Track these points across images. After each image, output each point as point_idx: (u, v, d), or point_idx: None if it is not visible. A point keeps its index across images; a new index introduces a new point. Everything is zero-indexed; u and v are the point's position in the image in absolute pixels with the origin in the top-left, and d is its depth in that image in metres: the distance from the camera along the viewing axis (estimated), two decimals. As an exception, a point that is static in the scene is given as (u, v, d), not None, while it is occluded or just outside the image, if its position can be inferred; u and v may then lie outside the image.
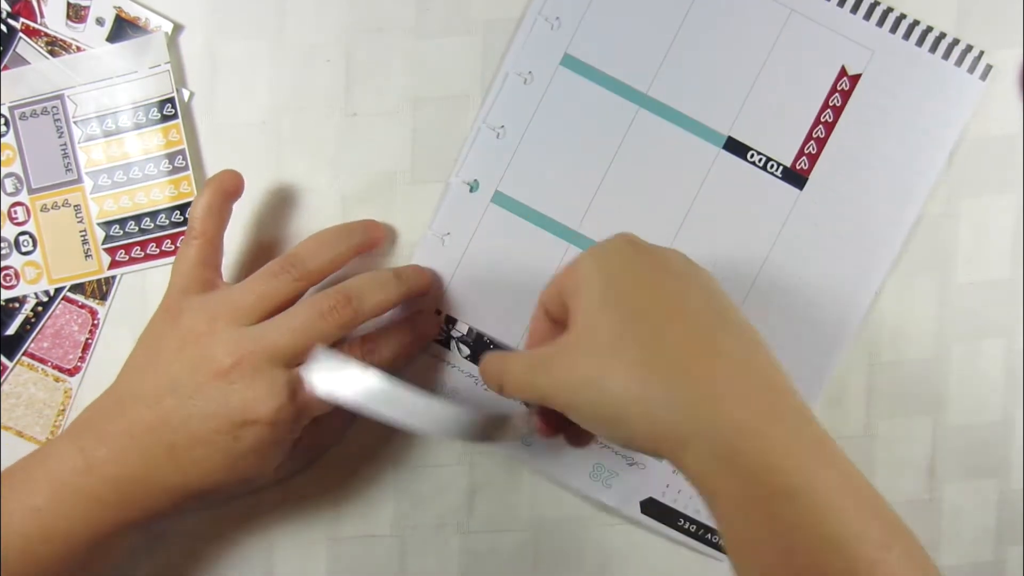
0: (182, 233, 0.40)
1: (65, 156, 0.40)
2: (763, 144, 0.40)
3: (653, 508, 0.41)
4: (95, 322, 0.41)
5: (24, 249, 0.41)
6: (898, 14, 0.39)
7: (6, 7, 0.40)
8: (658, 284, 0.31)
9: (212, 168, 0.40)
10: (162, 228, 0.41)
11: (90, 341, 0.41)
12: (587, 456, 0.41)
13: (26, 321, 0.41)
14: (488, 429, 0.32)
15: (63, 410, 0.41)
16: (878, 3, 0.39)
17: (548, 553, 0.42)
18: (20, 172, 0.40)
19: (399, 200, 0.41)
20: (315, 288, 0.37)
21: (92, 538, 0.34)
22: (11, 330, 0.41)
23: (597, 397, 0.30)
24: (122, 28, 0.40)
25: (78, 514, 0.33)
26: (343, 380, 0.31)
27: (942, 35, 0.39)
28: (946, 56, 0.39)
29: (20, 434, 0.41)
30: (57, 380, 0.41)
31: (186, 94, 0.40)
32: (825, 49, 0.39)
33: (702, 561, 0.42)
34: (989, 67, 0.39)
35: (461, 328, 0.40)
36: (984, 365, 0.41)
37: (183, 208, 0.40)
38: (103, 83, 0.40)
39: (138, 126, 0.40)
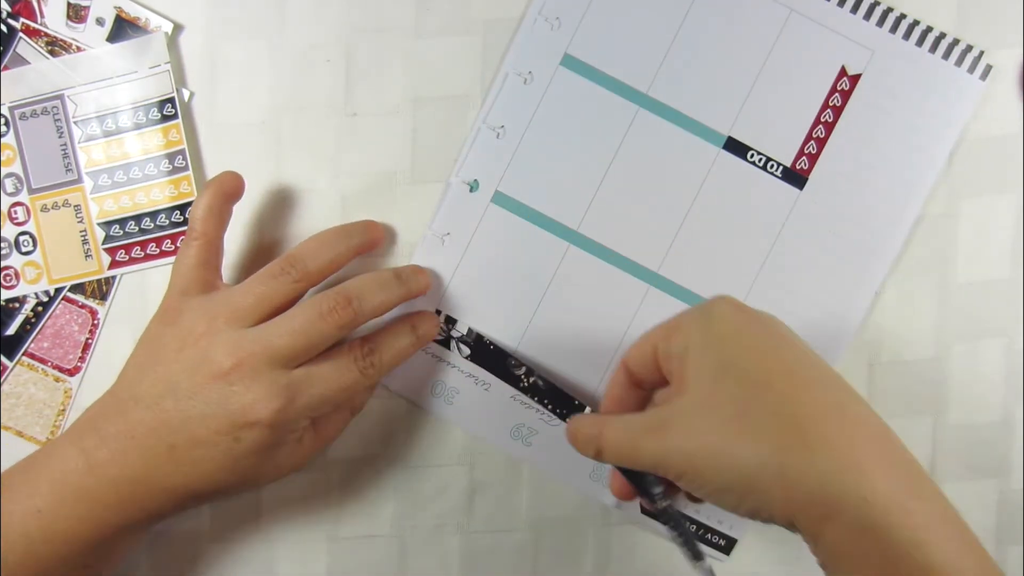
0: (182, 233, 0.40)
1: (65, 156, 0.40)
2: (763, 144, 0.40)
3: (653, 508, 0.41)
4: (95, 322, 0.41)
5: (24, 249, 0.41)
6: (898, 14, 0.39)
7: (6, 7, 0.39)
8: (773, 351, 0.31)
9: (212, 168, 0.41)
10: (162, 228, 0.41)
11: (90, 341, 0.41)
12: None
13: (26, 321, 0.41)
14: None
15: (63, 410, 0.41)
16: (878, 3, 0.39)
17: (548, 553, 0.42)
18: (20, 172, 0.40)
19: (399, 200, 0.41)
20: (315, 289, 0.37)
21: (94, 539, 0.34)
22: (11, 330, 0.41)
23: (726, 466, 0.30)
24: (122, 28, 0.40)
25: (80, 515, 0.34)
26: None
27: (942, 35, 0.39)
28: (946, 56, 0.39)
29: (20, 434, 0.41)
30: (57, 380, 0.41)
31: (186, 94, 0.40)
32: (825, 49, 0.39)
33: (702, 561, 0.42)
34: (989, 67, 0.39)
35: (461, 328, 0.40)
36: (984, 365, 0.41)
37: (183, 208, 0.40)
38: (103, 83, 0.40)
39: (138, 126, 0.40)
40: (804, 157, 0.40)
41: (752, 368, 0.31)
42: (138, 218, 0.40)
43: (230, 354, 0.33)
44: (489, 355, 0.40)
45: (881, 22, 0.39)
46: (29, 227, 0.41)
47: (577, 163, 0.40)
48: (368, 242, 0.39)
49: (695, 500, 0.36)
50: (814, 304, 0.40)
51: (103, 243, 0.41)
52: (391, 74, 0.40)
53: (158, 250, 0.41)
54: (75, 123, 0.40)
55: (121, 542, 0.35)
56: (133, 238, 0.41)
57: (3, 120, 0.40)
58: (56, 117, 0.40)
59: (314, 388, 0.34)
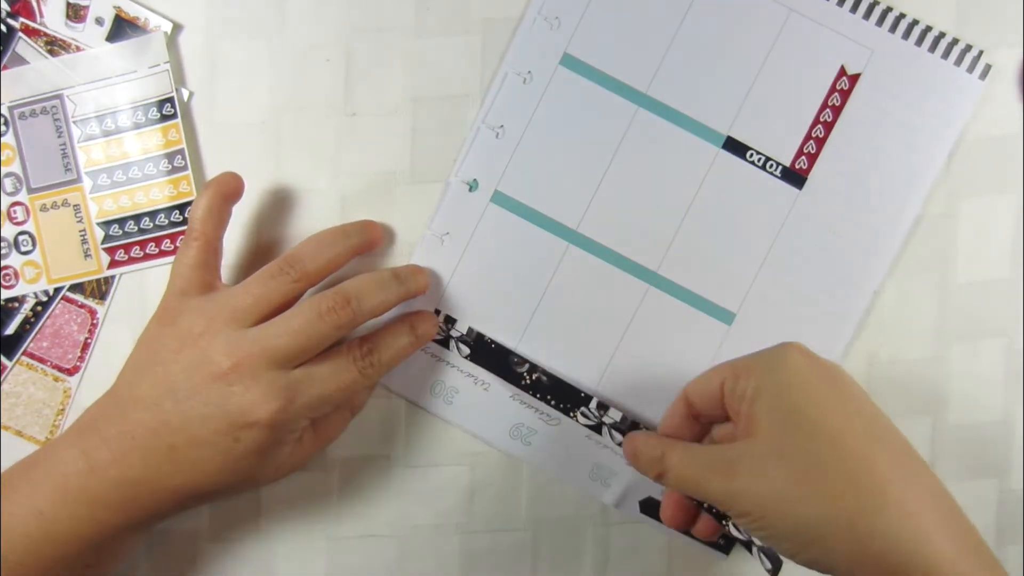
0: (181, 233, 0.40)
1: (64, 156, 0.40)
2: (762, 144, 0.40)
3: (653, 507, 0.41)
4: (94, 322, 0.41)
5: (23, 249, 0.41)
6: (897, 13, 0.39)
7: (6, 7, 0.40)
8: (843, 406, 0.32)
9: (211, 168, 0.41)
10: (161, 228, 0.41)
11: (89, 341, 0.41)
12: (587, 456, 0.41)
13: (25, 321, 0.41)
14: None
15: (62, 410, 0.41)
16: (877, 3, 0.39)
17: (547, 553, 0.42)
18: (19, 172, 0.40)
19: (398, 200, 0.41)
20: (314, 289, 0.37)
21: (95, 539, 0.34)
22: (10, 330, 0.41)
23: (793, 514, 0.30)
24: (121, 28, 0.40)
25: (81, 516, 0.34)
26: None
27: (941, 35, 0.39)
28: (945, 56, 0.39)
29: (20, 434, 0.41)
30: (56, 380, 0.41)
31: (185, 94, 0.40)
32: (824, 49, 0.39)
33: (702, 560, 0.42)
34: (988, 67, 0.39)
35: (461, 328, 0.40)
36: (984, 365, 0.41)
37: (182, 208, 0.40)
38: (102, 83, 0.40)
39: (137, 126, 0.40)
40: (803, 157, 0.40)
41: (823, 421, 0.31)
42: (137, 218, 0.40)
43: (229, 355, 0.33)
44: (490, 353, 0.40)
45: (880, 21, 0.39)
46: (28, 227, 0.41)
47: (576, 163, 0.40)
48: (367, 242, 0.39)
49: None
50: (813, 304, 0.40)
51: (102, 243, 0.41)
52: (391, 74, 0.40)
53: (157, 250, 0.41)
54: (74, 123, 0.40)
55: (122, 542, 0.35)
56: (132, 238, 0.41)
57: (2, 120, 0.40)
58: (55, 117, 0.40)
59: (313, 388, 0.34)
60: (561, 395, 0.40)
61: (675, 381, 0.38)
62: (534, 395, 0.40)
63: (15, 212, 0.40)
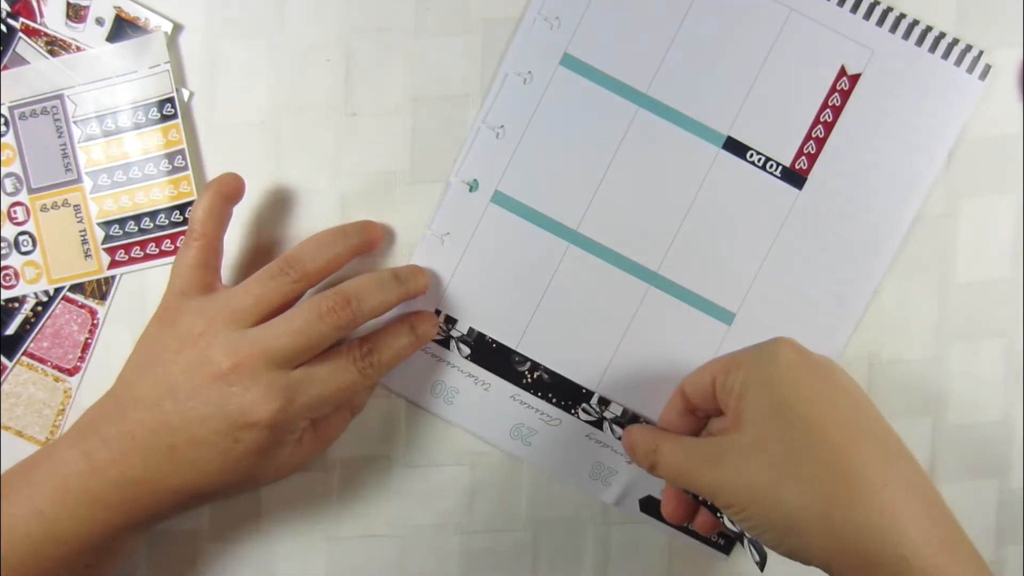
0: (182, 233, 0.40)
1: (65, 156, 0.40)
2: (762, 144, 0.40)
3: (653, 506, 0.41)
4: (95, 322, 0.41)
5: (24, 249, 0.41)
6: (898, 14, 0.39)
7: (6, 7, 0.40)
8: (830, 399, 0.32)
9: (212, 168, 0.41)
10: (162, 228, 0.41)
11: (90, 341, 0.41)
12: (587, 455, 0.41)
13: (26, 321, 0.41)
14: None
15: (63, 410, 0.41)
16: (878, 3, 0.39)
17: (548, 553, 0.42)
18: (20, 172, 0.40)
19: (398, 200, 0.41)
20: (314, 290, 0.37)
21: (96, 539, 0.34)
22: (11, 330, 0.41)
23: (772, 505, 0.31)
24: (122, 28, 0.40)
25: (82, 516, 0.34)
26: None
27: (942, 35, 0.39)
28: (945, 56, 0.39)
29: (20, 434, 0.41)
30: (57, 380, 0.41)
31: (186, 94, 0.40)
32: (825, 49, 0.39)
33: (702, 560, 0.42)
34: (988, 67, 0.39)
35: (461, 328, 0.40)
36: (984, 365, 0.41)
37: (183, 208, 0.40)
38: (103, 83, 0.40)
39: (138, 126, 0.40)
40: (803, 157, 0.40)
41: (807, 413, 0.32)
42: (138, 218, 0.40)
43: (229, 355, 0.34)
44: (491, 353, 0.40)
45: (881, 22, 0.39)
46: (29, 227, 0.41)
47: (577, 163, 0.40)
48: (367, 242, 0.39)
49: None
50: (813, 304, 0.40)
51: (103, 243, 0.41)
52: (391, 74, 0.40)
53: (158, 250, 0.41)
54: (75, 123, 0.40)
55: (123, 542, 0.35)
56: (133, 238, 0.41)
57: (3, 120, 0.40)
58: (56, 117, 0.40)
59: (313, 389, 0.34)
60: (562, 392, 0.40)
61: (675, 381, 0.38)
62: (535, 393, 0.40)
63: (15, 212, 0.41)
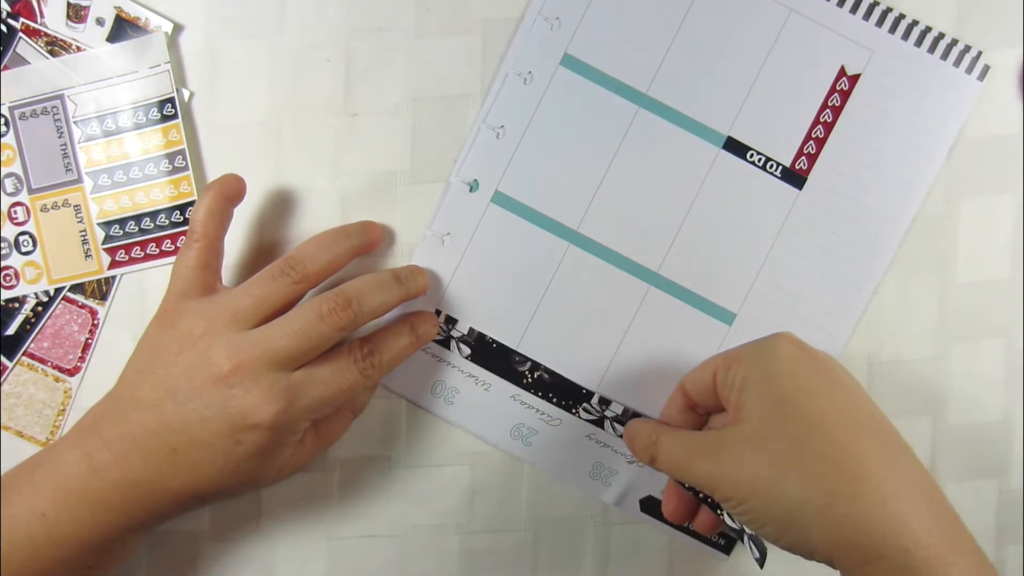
0: (182, 233, 0.40)
1: (65, 156, 0.40)
2: (762, 144, 0.40)
3: (653, 506, 0.41)
4: (95, 322, 0.41)
5: (24, 249, 0.41)
6: (897, 14, 0.39)
7: (6, 7, 0.39)
8: (829, 393, 0.32)
9: (212, 168, 0.41)
10: (162, 228, 0.41)
11: (90, 341, 0.41)
12: (587, 455, 0.41)
13: (26, 321, 0.41)
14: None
15: (63, 410, 0.41)
16: (877, 3, 0.39)
17: (548, 553, 0.42)
18: (20, 172, 0.40)
19: (399, 200, 0.41)
20: (315, 290, 0.37)
21: (97, 541, 0.34)
22: (11, 330, 0.41)
23: (772, 499, 0.31)
24: (122, 28, 0.40)
25: (83, 518, 0.34)
26: None
27: (941, 35, 0.39)
28: (945, 56, 0.39)
29: (20, 434, 0.41)
30: (57, 380, 0.41)
31: (186, 94, 0.40)
32: (824, 49, 0.39)
33: (702, 559, 0.42)
34: (987, 67, 0.39)
35: (461, 328, 0.40)
36: (984, 365, 0.41)
37: (183, 208, 0.40)
38: (103, 83, 0.40)
39: (138, 126, 0.40)
40: (803, 157, 0.40)
41: (807, 408, 0.32)
42: (138, 218, 0.40)
43: (229, 356, 0.33)
44: (491, 353, 0.40)
45: (880, 22, 0.39)
46: (29, 227, 0.41)
47: (577, 163, 0.40)
48: (367, 243, 0.39)
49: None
50: (813, 304, 0.40)
51: (103, 243, 0.41)
52: (391, 74, 0.40)
53: (158, 250, 0.41)
54: (75, 123, 0.40)
55: (123, 543, 0.35)
56: (133, 238, 0.41)
57: (3, 120, 0.40)
58: (56, 117, 0.40)
59: (314, 390, 0.34)
60: (563, 392, 0.40)
61: (675, 381, 0.38)
62: (536, 393, 0.40)
63: (16, 212, 0.40)
